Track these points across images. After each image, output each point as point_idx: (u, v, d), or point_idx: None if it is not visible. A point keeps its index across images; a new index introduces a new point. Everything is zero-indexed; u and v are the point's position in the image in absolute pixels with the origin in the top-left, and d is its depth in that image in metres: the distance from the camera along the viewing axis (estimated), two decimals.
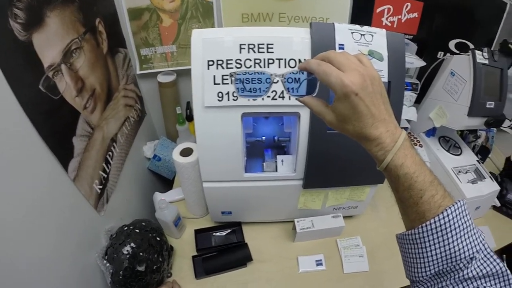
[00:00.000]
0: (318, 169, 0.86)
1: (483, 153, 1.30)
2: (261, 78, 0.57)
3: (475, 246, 0.42)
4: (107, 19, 0.96)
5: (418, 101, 1.24)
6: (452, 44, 1.23)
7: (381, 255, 0.98)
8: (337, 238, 1.02)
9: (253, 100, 0.74)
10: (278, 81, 0.54)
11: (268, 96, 0.74)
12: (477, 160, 1.17)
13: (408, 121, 1.18)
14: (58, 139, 0.72)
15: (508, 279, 0.41)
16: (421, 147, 1.21)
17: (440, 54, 1.25)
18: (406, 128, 1.18)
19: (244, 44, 0.72)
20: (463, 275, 0.42)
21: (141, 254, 0.81)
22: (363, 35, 0.75)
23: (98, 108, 0.89)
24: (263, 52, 0.73)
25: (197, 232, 1.00)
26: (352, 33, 0.75)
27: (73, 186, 0.76)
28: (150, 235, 0.85)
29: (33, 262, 0.62)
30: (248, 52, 0.72)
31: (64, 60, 0.74)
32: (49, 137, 0.67)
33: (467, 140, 1.29)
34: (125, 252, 0.79)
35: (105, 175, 0.91)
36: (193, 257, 0.94)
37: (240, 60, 0.72)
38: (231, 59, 0.72)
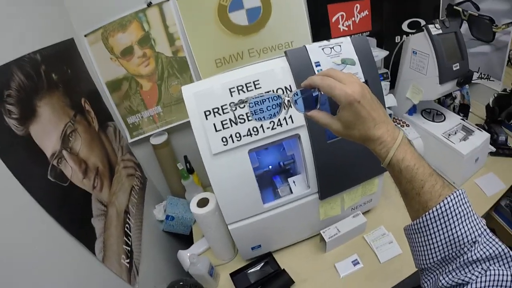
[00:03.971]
0: (329, 177, 0.90)
1: (464, 110, 1.39)
2: (275, 104, 0.58)
3: (476, 230, 0.45)
4: (90, 97, 0.99)
5: (392, 87, 1.34)
6: (405, 26, 1.34)
7: None
8: (364, 235, 1.06)
9: (255, 135, 0.80)
10: (288, 101, 0.57)
11: (268, 128, 0.80)
12: (461, 119, 1.25)
13: (389, 108, 1.24)
14: (78, 224, 0.73)
15: None
16: (408, 126, 1.28)
17: (397, 39, 1.35)
18: (390, 115, 1.24)
19: (233, 88, 0.78)
20: (467, 258, 0.44)
21: None
22: (332, 47, 0.83)
23: (105, 185, 0.90)
24: (252, 90, 0.79)
25: (233, 275, 1.00)
26: (323, 49, 0.82)
27: (103, 267, 0.76)
28: None
29: None
30: (239, 94, 0.78)
31: (64, 146, 0.76)
32: (68, 224, 0.68)
33: (445, 104, 1.39)
34: None
35: (129, 248, 0.91)
36: None
37: (234, 102, 0.77)
38: (225, 104, 0.77)
